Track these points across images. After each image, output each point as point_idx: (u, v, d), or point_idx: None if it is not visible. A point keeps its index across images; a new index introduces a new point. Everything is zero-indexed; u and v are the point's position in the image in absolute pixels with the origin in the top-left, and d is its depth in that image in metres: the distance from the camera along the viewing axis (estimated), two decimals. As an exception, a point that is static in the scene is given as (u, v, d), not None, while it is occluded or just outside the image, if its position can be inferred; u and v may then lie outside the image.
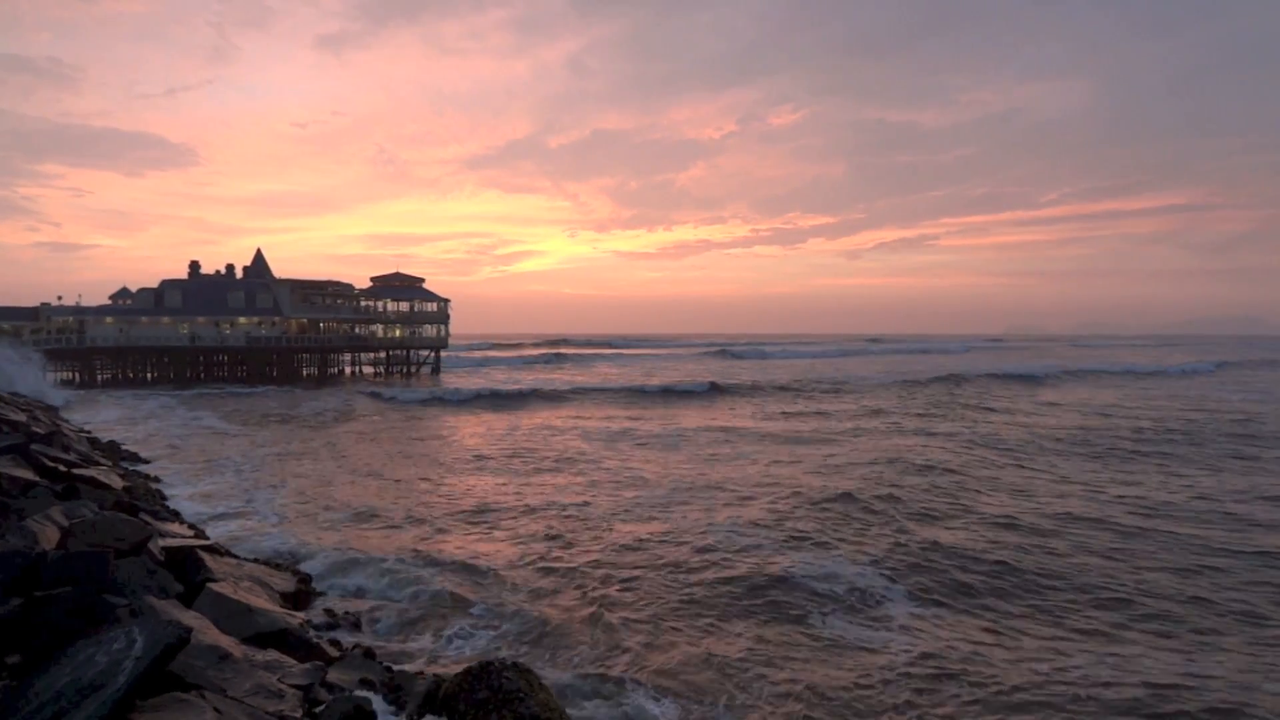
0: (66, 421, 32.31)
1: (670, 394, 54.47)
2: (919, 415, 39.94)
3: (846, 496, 19.46)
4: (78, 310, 66.51)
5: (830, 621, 11.64)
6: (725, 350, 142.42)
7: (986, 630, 11.38)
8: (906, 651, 10.44)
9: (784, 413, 42.27)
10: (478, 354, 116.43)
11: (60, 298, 67.74)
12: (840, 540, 15.87)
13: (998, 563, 14.30)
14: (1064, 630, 11.40)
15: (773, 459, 26.50)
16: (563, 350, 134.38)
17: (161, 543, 10.95)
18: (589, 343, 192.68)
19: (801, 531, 16.45)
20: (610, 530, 16.86)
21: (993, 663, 10.13)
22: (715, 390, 56.45)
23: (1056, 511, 18.30)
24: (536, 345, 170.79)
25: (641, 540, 16.01)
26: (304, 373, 73.49)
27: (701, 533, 16.49)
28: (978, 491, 20.73)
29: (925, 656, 10.24)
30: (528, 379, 69.39)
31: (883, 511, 18.21)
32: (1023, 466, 24.91)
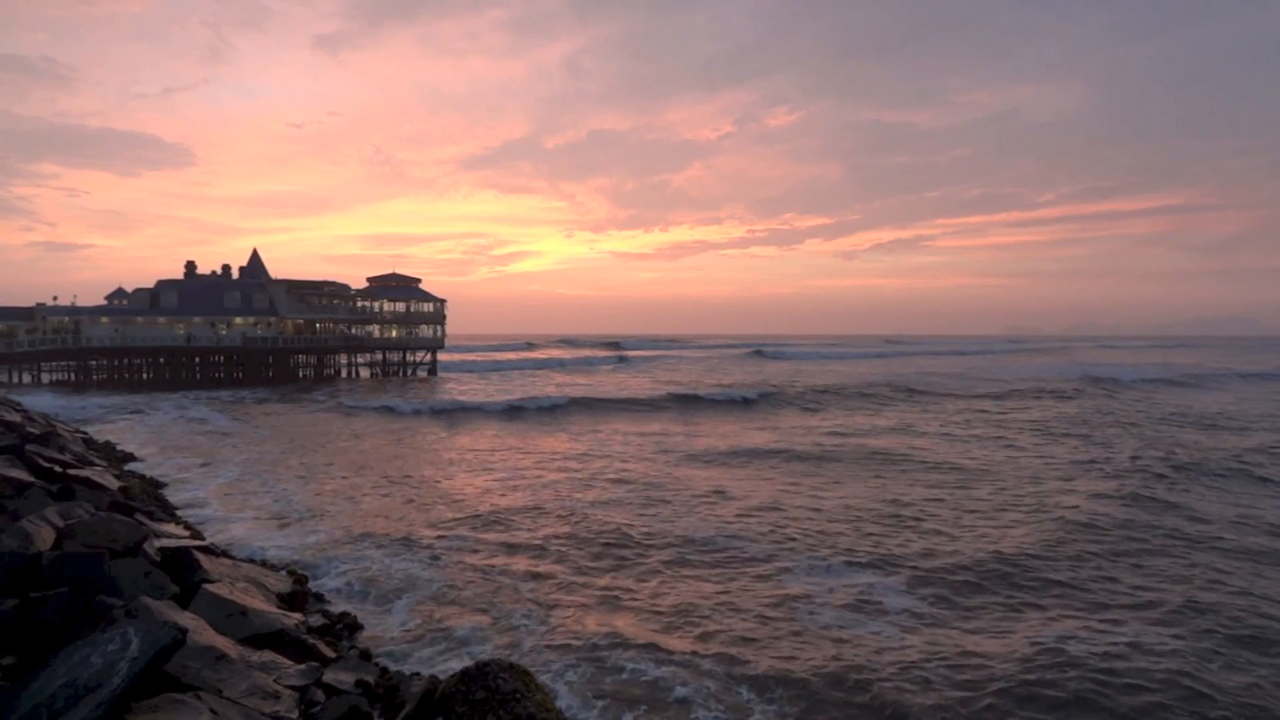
0: (62, 422, 33.03)
1: (719, 404, 48.74)
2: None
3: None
4: (73, 310, 67.80)
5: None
6: (759, 351, 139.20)
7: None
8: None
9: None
10: (488, 356, 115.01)
11: (56, 298, 69.24)
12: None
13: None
14: None
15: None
16: (624, 353, 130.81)
17: (157, 543, 11.30)
18: (597, 343, 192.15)
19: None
20: (646, 537, 17.05)
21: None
22: (776, 395, 51.57)
23: None
24: (555, 347, 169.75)
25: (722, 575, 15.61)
26: (300, 373, 74.63)
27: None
28: None
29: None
30: (543, 383, 69.60)
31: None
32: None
